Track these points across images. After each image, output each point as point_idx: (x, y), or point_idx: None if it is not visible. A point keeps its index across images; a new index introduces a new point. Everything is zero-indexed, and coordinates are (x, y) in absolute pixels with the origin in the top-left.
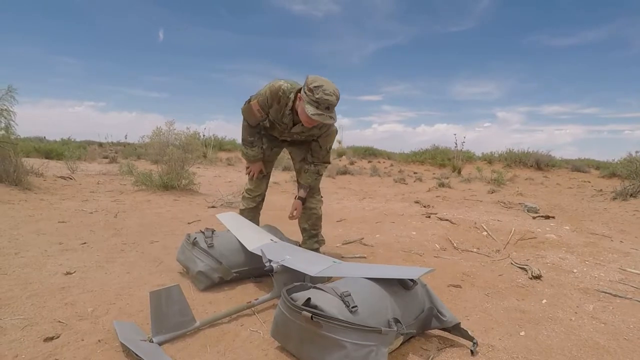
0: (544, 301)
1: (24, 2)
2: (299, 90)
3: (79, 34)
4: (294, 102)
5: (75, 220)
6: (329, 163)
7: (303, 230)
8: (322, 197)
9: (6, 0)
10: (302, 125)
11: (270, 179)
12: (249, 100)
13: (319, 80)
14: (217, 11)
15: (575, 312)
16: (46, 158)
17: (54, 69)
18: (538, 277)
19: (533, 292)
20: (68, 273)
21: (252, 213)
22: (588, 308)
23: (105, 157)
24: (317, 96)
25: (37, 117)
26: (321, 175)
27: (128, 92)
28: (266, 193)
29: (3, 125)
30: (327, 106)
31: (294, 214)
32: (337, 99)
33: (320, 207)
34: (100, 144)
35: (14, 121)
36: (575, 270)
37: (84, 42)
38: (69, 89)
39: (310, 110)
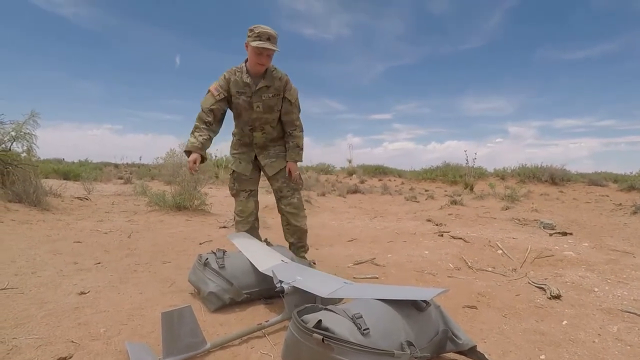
0: (565, 322)
1: (52, 29)
2: (246, 46)
3: (100, 60)
4: (246, 62)
5: (91, 240)
6: (302, 130)
7: (290, 244)
8: (305, 214)
9: (36, 26)
10: (260, 77)
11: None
12: (208, 92)
13: (256, 25)
14: (229, 37)
15: (599, 334)
16: (64, 179)
17: (76, 94)
18: (557, 297)
19: (552, 312)
20: (82, 293)
21: (251, 235)
22: (612, 329)
23: (120, 178)
24: (257, 32)
25: (58, 140)
26: (301, 148)
27: (144, 115)
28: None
29: (25, 148)
30: (267, 37)
31: (294, 175)
32: (274, 32)
33: (305, 223)
34: (116, 165)
35: (35, 144)
36: (596, 289)
37: (104, 68)
38: (89, 113)
39: (255, 43)
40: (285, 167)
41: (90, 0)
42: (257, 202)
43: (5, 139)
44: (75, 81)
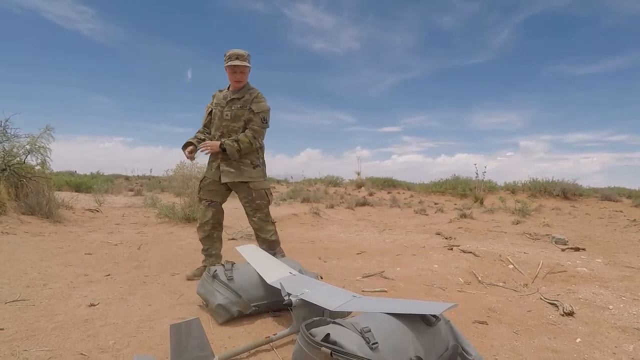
0: (578, 340)
1: (66, 44)
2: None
3: (113, 74)
4: (229, 86)
5: (101, 252)
6: (254, 138)
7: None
8: (274, 222)
9: (51, 42)
10: (236, 92)
11: (289, 211)
12: None
13: (228, 50)
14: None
15: (614, 353)
16: (76, 191)
17: (89, 107)
18: (570, 314)
19: (566, 330)
20: (92, 305)
21: (207, 242)
22: (628, 348)
23: (131, 190)
24: (227, 55)
25: (71, 152)
26: (239, 145)
27: (155, 128)
28: (223, 221)
29: (39, 161)
30: (236, 57)
31: (203, 147)
32: (243, 51)
33: (274, 233)
34: (127, 178)
35: (49, 157)
36: (611, 307)
37: (118, 82)
38: (102, 126)
39: (227, 64)
40: (247, 186)
41: (104, 16)
42: (216, 213)
43: (20, 152)
44: (89, 95)
